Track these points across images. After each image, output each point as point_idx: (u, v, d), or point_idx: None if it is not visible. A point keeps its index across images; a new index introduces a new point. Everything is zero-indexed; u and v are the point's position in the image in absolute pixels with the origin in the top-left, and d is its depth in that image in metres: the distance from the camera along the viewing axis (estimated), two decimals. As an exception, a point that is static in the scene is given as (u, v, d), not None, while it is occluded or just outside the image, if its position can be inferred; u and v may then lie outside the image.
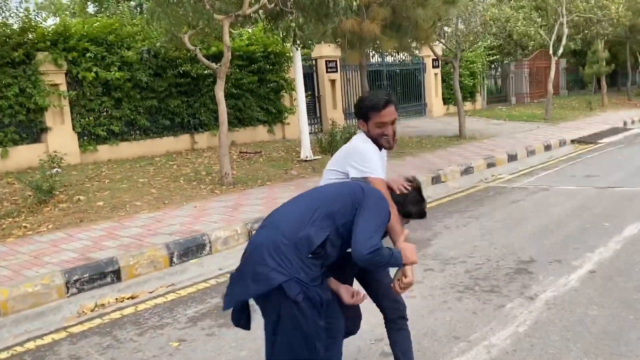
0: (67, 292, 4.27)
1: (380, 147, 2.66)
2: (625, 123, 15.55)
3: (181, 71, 10.64)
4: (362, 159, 2.55)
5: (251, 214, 5.96)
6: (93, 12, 15.21)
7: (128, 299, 4.28)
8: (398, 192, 2.49)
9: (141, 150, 10.60)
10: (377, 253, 2.12)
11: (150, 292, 4.38)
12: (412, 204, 2.50)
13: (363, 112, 2.64)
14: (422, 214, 2.56)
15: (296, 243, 2.10)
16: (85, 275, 4.39)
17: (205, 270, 4.86)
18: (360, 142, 2.64)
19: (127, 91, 10.10)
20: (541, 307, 3.50)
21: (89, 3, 14.93)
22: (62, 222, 6.01)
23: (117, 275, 4.57)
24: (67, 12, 16.95)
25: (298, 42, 8.44)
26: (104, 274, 4.50)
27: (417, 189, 2.54)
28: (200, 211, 6.25)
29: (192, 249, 5.10)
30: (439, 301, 3.70)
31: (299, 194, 2.42)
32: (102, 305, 4.17)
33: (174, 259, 4.95)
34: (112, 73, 9.68)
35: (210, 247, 5.24)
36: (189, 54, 9.95)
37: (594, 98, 19.89)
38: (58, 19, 17.25)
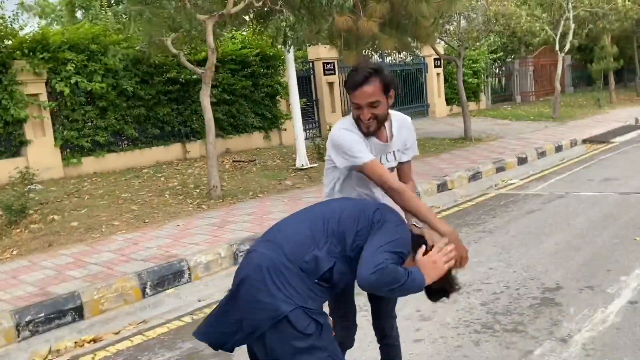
0: (18, 337, 3.67)
1: (361, 132, 2.26)
2: (637, 120, 14.89)
3: (166, 78, 10.09)
4: (341, 148, 2.25)
5: (238, 233, 5.36)
6: (81, 18, 14.70)
7: (89, 342, 3.67)
8: (430, 244, 2.03)
9: (129, 162, 10.04)
10: (384, 272, 1.78)
11: (116, 333, 3.78)
12: None
13: (346, 88, 2.28)
14: (444, 292, 2.09)
15: (302, 268, 1.84)
16: (40, 315, 3.79)
17: (182, 303, 4.26)
18: (337, 127, 2.33)
19: (112, 100, 9.55)
20: (578, 354, 2.87)
21: (76, 9, 14.44)
22: (29, 247, 5.43)
23: (78, 312, 3.97)
24: (53, 16, 16.45)
25: (289, 43, 7.85)
26: (63, 312, 3.90)
27: None
28: (183, 231, 5.65)
29: (168, 277, 4.50)
30: (452, 346, 3.08)
31: (307, 208, 2.12)
32: (58, 351, 3.57)
33: (147, 290, 4.35)
34: (94, 84, 9.12)
35: (189, 274, 4.64)
36: (174, 59, 9.38)
37: (601, 95, 19.23)
38: (43, 21, 16.84)
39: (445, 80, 17.65)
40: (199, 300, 4.28)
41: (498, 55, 20.38)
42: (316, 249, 1.86)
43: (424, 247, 1.99)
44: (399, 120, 2.41)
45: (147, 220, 6.15)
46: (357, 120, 2.25)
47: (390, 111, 2.39)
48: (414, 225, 2.21)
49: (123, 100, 9.77)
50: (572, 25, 15.76)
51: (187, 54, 9.82)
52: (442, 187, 7.60)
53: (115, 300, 4.17)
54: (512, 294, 3.74)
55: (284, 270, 1.82)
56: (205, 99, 7.04)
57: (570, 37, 15.81)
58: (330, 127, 10.78)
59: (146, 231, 5.72)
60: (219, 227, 5.66)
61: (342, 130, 2.28)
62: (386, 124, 2.34)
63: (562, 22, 15.86)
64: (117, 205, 6.83)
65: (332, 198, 2.34)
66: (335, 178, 2.38)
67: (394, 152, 2.37)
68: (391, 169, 2.38)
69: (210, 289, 4.48)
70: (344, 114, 13.84)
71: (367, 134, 2.26)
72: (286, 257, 1.84)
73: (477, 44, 15.10)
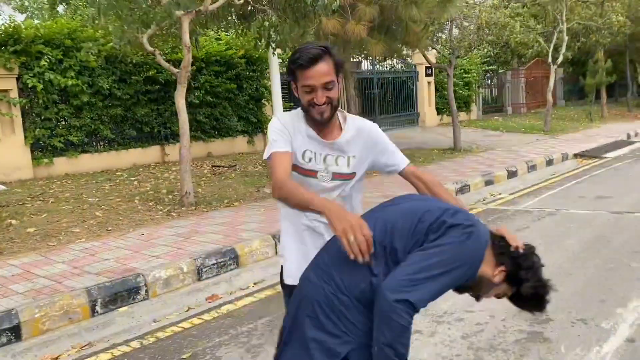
0: (-60, 361, 3.26)
1: (313, 120, 1.92)
2: (628, 136, 14.68)
3: (144, 77, 9.71)
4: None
5: (205, 245, 4.96)
6: (62, 13, 14.29)
7: (22, 368, 3.27)
8: (514, 246, 1.73)
9: (105, 164, 9.63)
10: (406, 312, 1.48)
11: (55, 358, 3.37)
12: (527, 269, 1.74)
13: (290, 70, 1.90)
14: (539, 298, 1.75)
15: (358, 298, 1.60)
16: (-32, 336, 3.38)
17: (135, 323, 3.85)
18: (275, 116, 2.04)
19: (87, 98, 9.14)
20: (570, 403, 2.52)
21: (58, 3, 14.02)
22: (-24, 254, 5.00)
23: (15, 333, 3.55)
24: (32, 9, 15.98)
25: (273, 45, 7.49)
26: (-4, 332, 3.49)
27: (535, 256, 1.79)
28: (146, 241, 5.24)
29: (122, 294, 4.09)
30: (427, 389, 2.71)
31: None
32: (-16, 379, 3.17)
33: (97, 308, 3.94)
34: (67, 79, 8.71)
35: (146, 290, 4.23)
36: (154, 58, 9.00)
37: (593, 109, 19.07)
38: (22, 15, 16.38)
39: (436, 90, 17.39)
40: (154, 321, 3.88)
41: (490, 67, 20.20)
42: (371, 275, 1.60)
43: None
44: (358, 125, 2.01)
45: (110, 228, 5.73)
46: (308, 107, 1.89)
47: (351, 115, 2.04)
48: None
49: (99, 99, 9.38)
50: (566, 38, 15.59)
51: (167, 53, 9.46)
52: (427, 200, 7.25)
53: (60, 319, 3.76)
54: (497, 326, 3.37)
55: (338, 304, 1.61)
56: (180, 100, 6.65)
57: (563, 49, 15.63)
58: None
59: (107, 240, 5.30)
60: (186, 238, 5.25)
61: (274, 120, 2.00)
62: (339, 115, 1.99)
63: (556, 35, 15.68)
64: (82, 211, 6.41)
65: (384, 203, 1.89)
66: None
67: (348, 157, 1.96)
68: (346, 177, 1.97)
69: (169, 308, 4.09)
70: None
71: (320, 122, 1.90)
72: (338, 287, 1.62)
73: (470, 53, 14.88)
